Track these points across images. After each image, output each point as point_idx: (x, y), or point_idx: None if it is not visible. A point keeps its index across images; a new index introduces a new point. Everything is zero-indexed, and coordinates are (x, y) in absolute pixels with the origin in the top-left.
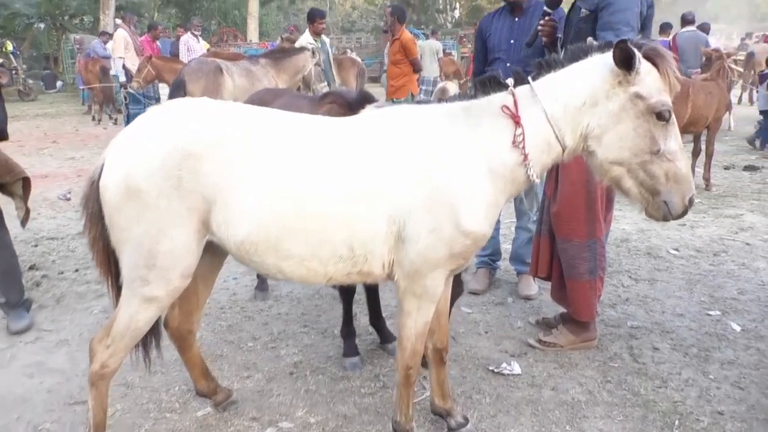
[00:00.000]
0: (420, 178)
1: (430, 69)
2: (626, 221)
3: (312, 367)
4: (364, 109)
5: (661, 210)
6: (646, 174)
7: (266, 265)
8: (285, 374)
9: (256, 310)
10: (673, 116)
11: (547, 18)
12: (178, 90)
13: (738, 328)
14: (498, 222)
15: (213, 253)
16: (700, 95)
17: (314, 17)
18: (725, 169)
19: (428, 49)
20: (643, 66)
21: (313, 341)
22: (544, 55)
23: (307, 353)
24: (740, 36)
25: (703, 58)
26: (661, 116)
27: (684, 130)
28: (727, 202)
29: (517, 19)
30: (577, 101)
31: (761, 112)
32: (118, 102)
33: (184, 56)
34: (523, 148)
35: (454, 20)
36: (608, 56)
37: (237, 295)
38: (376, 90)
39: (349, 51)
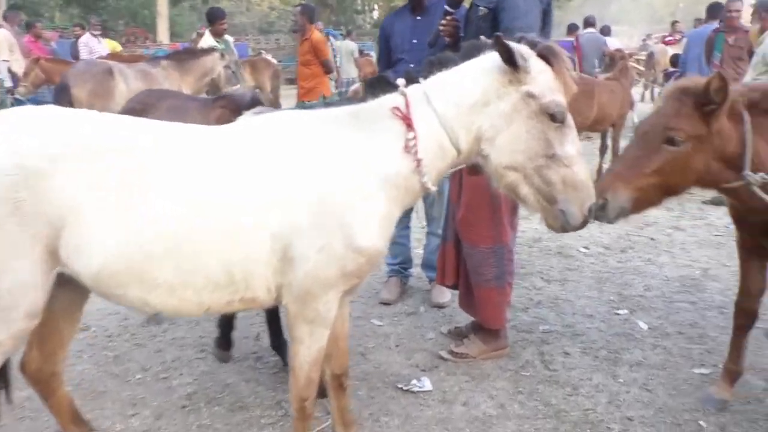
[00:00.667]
0: (305, 192)
1: (348, 70)
2: (538, 221)
3: (207, 398)
4: (241, 116)
5: (558, 220)
6: (542, 180)
7: (130, 298)
8: (176, 408)
9: (149, 336)
10: (569, 119)
11: (448, 17)
12: (62, 95)
13: (645, 327)
14: (408, 228)
15: (74, 283)
16: (604, 94)
17: (215, 18)
18: None
19: (344, 50)
20: (536, 65)
21: (210, 368)
22: None
23: (202, 382)
24: (641, 37)
25: (606, 58)
26: (554, 117)
27: (591, 129)
28: None
29: (418, 17)
30: (468, 101)
31: None
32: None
33: (85, 58)
34: (416, 153)
35: (372, 21)
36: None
37: (128, 320)
38: (293, 92)
39: (263, 52)
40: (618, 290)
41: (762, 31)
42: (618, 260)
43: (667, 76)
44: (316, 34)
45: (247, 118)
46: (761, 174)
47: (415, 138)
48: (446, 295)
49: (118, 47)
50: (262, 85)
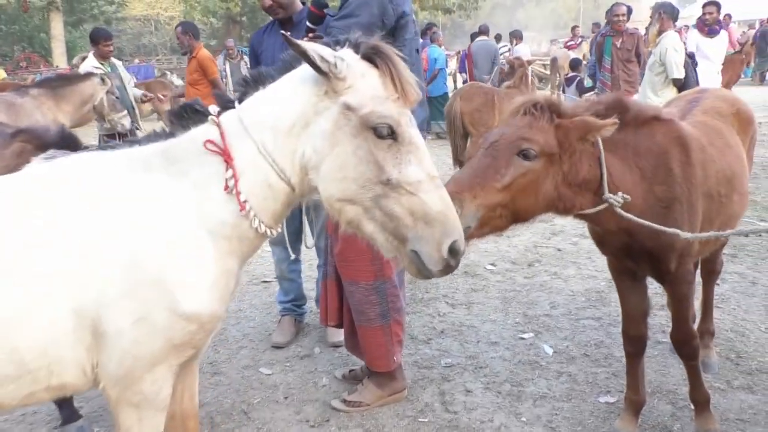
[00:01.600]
0: (112, 253)
1: None
2: None
3: None
4: (29, 163)
5: (414, 263)
6: (383, 213)
7: None
8: None
9: None
10: (409, 134)
11: (311, 35)
12: None
13: (550, 351)
14: (299, 262)
15: None
16: (505, 103)
17: (98, 39)
18: None
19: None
20: (353, 69)
21: None
22: None
23: None
24: (547, 43)
25: (505, 66)
26: (378, 132)
27: None
28: None
29: (288, 33)
30: (285, 123)
31: None
32: None
33: None
34: (238, 195)
35: None
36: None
37: None
38: None
39: (168, 73)
40: (524, 310)
41: (660, 33)
42: (525, 276)
43: (568, 80)
44: (203, 52)
45: (35, 165)
46: (621, 194)
47: (234, 176)
48: (342, 334)
49: (2, 74)
50: (159, 109)
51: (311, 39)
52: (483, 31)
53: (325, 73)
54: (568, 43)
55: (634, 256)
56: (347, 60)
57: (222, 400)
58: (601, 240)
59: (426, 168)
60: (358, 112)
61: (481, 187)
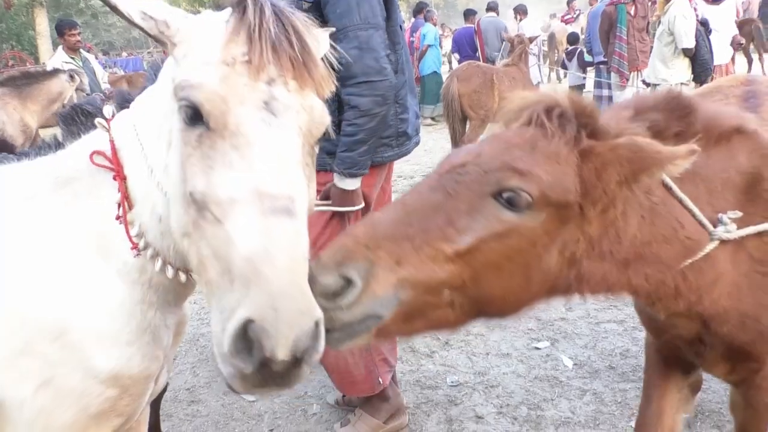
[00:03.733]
0: (1, 308)
1: None
2: None
3: None
4: None
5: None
6: (197, 252)
7: None
8: None
9: None
10: (242, 124)
11: None
12: None
13: (570, 364)
14: None
15: None
16: (504, 82)
17: (62, 29)
18: None
19: None
20: (194, 28)
21: None
22: None
23: None
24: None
25: (504, 43)
26: (182, 115)
27: (496, 120)
28: None
29: None
30: (160, 120)
31: (571, 89)
32: None
33: None
34: (127, 228)
35: None
36: None
37: None
38: None
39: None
40: (537, 314)
41: (668, 0)
42: None
43: (568, 54)
44: None
45: None
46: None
47: (123, 202)
48: None
49: None
50: None
51: None
52: (492, 7)
53: (162, 43)
54: (565, 18)
55: (705, 349)
56: (194, 22)
57: None
58: (655, 325)
59: (256, 178)
60: (173, 84)
61: (415, 248)
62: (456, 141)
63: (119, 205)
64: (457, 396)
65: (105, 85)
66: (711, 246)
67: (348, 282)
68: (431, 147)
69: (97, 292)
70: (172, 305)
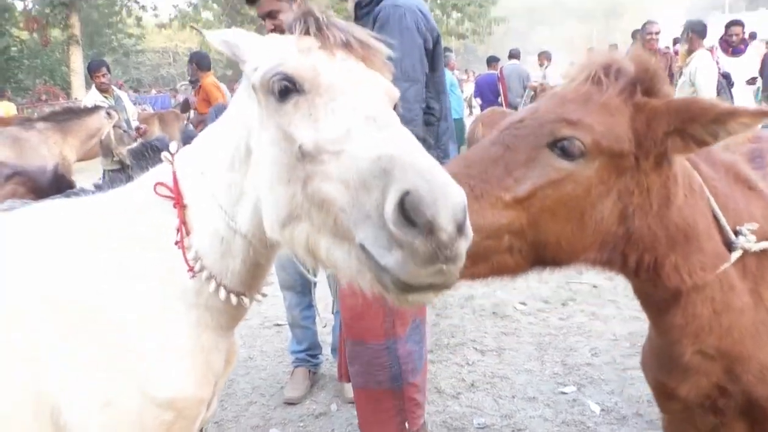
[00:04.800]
0: (72, 327)
1: None
2: None
3: None
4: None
5: (370, 271)
6: (317, 208)
7: None
8: None
9: None
10: (333, 79)
11: None
12: None
13: (597, 410)
14: (311, 308)
15: None
16: None
17: (91, 70)
18: None
19: None
20: (259, 43)
21: None
22: None
23: None
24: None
25: (527, 90)
26: (275, 92)
27: None
28: None
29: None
30: (223, 155)
31: None
32: None
33: None
34: (184, 251)
35: None
36: None
37: None
38: None
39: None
40: (562, 358)
41: (690, 52)
42: (559, 317)
43: None
44: (208, 80)
45: None
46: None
47: (181, 228)
48: None
49: (12, 110)
50: (174, 139)
51: None
52: (514, 55)
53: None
54: None
55: (722, 411)
56: (261, 40)
57: None
58: (668, 387)
59: (363, 110)
60: (252, 76)
61: (476, 196)
62: None
63: (177, 231)
64: None
65: (135, 122)
66: (736, 254)
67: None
68: None
69: (159, 319)
70: (224, 329)
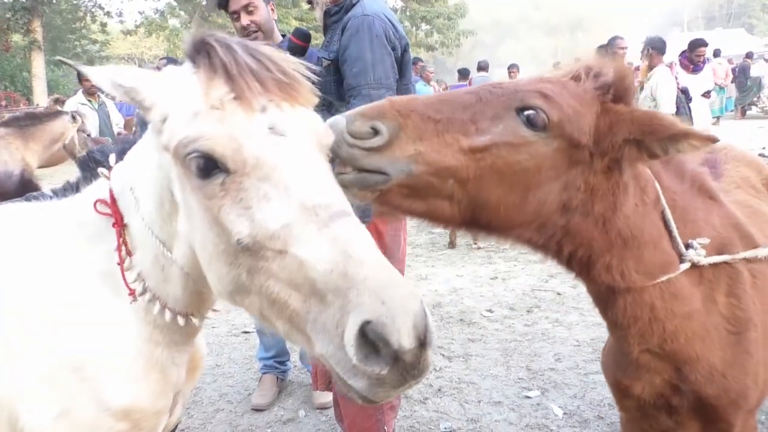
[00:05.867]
0: (30, 334)
1: None
2: (438, 280)
3: None
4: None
5: (338, 380)
6: (266, 299)
7: None
8: None
9: None
10: (261, 154)
11: None
12: None
13: (560, 413)
14: None
15: None
16: None
17: (79, 74)
18: None
19: None
20: (164, 84)
21: None
22: None
23: None
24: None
25: None
26: (194, 169)
27: None
28: None
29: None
30: (150, 189)
31: None
32: None
33: None
34: (123, 274)
35: None
36: None
37: None
38: None
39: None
40: (527, 363)
41: (650, 68)
42: (525, 323)
43: None
44: None
45: None
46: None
47: (120, 249)
48: (329, 394)
49: None
50: None
51: None
52: (483, 67)
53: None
54: None
55: (675, 410)
56: (160, 81)
57: None
58: (623, 385)
59: (300, 197)
60: (169, 147)
61: (437, 131)
62: None
63: (113, 252)
64: None
65: (118, 128)
66: (684, 266)
67: (375, 133)
68: None
69: (111, 329)
70: (179, 344)
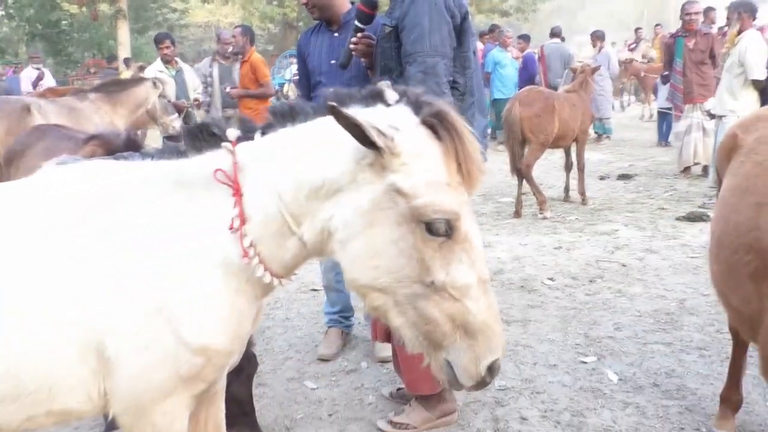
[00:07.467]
0: (117, 276)
1: None
2: (502, 247)
3: None
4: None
5: (444, 372)
6: (417, 314)
7: None
8: None
9: None
10: (465, 230)
11: (359, 35)
12: None
13: (615, 378)
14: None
15: None
16: (565, 108)
17: (156, 42)
18: (600, 179)
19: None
20: (410, 143)
21: None
22: (368, 80)
23: None
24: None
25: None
26: (432, 229)
27: (554, 145)
28: (602, 216)
29: (336, 34)
30: (312, 181)
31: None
32: None
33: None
34: (241, 238)
35: None
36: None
37: None
38: None
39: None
40: (585, 330)
41: (740, 32)
42: (586, 292)
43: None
44: (255, 55)
45: (45, 171)
46: None
47: (240, 217)
48: (389, 347)
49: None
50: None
51: (361, 39)
52: (556, 33)
53: (374, 147)
54: (630, 45)
55: None
56: (404, 131)
57: (265, 414)
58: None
59: (478, 269)
60: (410, 200)
61: None
62: (515, 163)
63: (235, 219)
64: (504, 399)
65: (197, 94)
66: None
67: None
68: (487, 168)
69: (197, 278)
70: (258, 298)
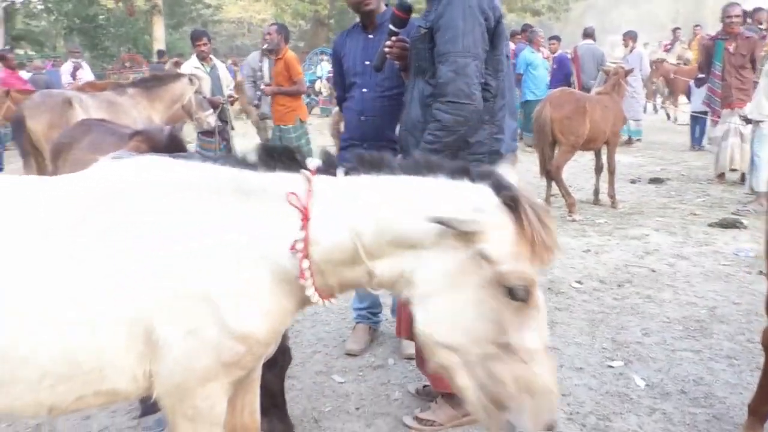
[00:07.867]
0: (170, 265)
1: None
2: None
3: None
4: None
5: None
6: (487, 375)
7: None
8: None
9: None
10: (536, 298)
11: (394, 38)
12: (18, 128)
13: (642, 384)
14: None
15: None
16: (596, 110)
17: (193, 39)
18: (631, 183)
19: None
20: (493, 218)
21: None
22: (401, 81)
23: None
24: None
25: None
26: (514, 294)
27: (585, 147)
28: (632, 220)
29: (371, 36)
30: (396, 230)
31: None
32: None
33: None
34: (301, 260)
35: None
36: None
37: None
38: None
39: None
40: (613, 335)
41: None
42: (614, 297)
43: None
44: (289, 53)
45: (102, 166)
46: None
47: (305, 241)
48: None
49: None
50: (246, 110)
51: (395, 43)
52: (589, 34)
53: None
54: (666, 46)
55: None
56: (488, 211)
57: (293, 406)
58: None
59: (543, 336)
60: (495, 266)
61: None
62: (544, 164)
63: (299, 242)
64: None
65: (230, 90)
66: None
67: None
68: (518, 169)
69: (248, 274)
70: (301, 305)
